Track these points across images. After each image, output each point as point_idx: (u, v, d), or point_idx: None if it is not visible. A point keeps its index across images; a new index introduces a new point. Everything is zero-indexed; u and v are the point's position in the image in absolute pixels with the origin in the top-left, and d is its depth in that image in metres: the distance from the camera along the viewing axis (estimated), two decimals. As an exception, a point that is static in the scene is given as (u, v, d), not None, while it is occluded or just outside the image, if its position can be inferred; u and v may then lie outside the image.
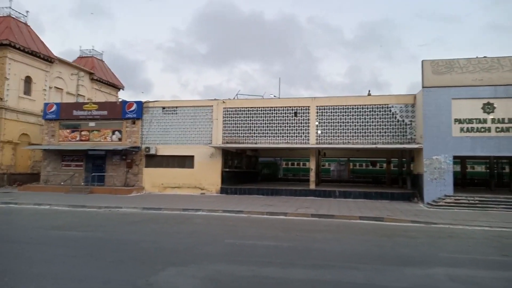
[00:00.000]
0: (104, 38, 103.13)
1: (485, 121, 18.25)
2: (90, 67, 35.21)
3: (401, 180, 26.93)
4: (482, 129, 18.24)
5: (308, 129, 22.02)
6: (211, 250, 8.35)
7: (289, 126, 22.33)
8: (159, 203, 17.62)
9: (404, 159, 26.42)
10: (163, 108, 24.14)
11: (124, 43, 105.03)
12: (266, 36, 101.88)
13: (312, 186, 22.48)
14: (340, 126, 21.65)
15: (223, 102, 23.36)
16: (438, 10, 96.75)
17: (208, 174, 22.86)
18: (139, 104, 24.31)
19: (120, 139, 24.38)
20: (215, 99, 23.71)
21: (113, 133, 24.61)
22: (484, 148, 18.26)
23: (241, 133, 22.92)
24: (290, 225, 12.22)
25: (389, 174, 31.21)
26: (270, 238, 9.95)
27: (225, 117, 23.20)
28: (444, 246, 9.20)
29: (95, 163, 24.71)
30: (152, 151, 23.47)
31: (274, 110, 22.64)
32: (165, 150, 23.67)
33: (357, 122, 21.45)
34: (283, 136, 22.35)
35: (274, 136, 22.49)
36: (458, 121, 18.49)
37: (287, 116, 22.40)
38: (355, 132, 21.45)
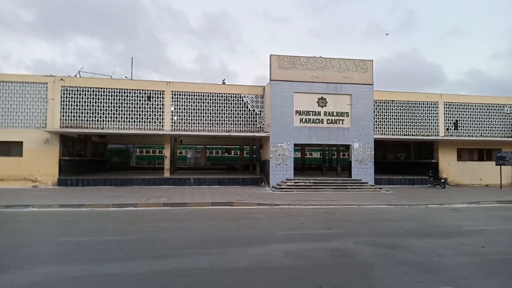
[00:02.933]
0: None
1: (319, 113, 20.97)
2: None
3: (252, 166, 28.87)
4: (317, 121, 20.93)
5: (163, 115, 21.22)
6: (39, 251, 7.06)
7: (142, 111, 21.07)
8: (-29, 200, 14.20)
9: (254, 146, 28.32)
10: (-21, 82, 19.51)
11: None
12: (107, 11, 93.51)
13: (167, 174, 21.88)
14: (196, 113, 21.60)
15: (61, 79, 20.31)
16: (270, 11, 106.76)
17: (42, 163, 19.65)
18: None
19: None
20: (50, 75, 20.40)
21: None
22: (318, 137, 21.02)
23: (85, 116, 20.45)
24: (139, 216, 11.49)
25: (242, 161, 33.04)
26: (114, 232, 9.08)
27: (64, 97, 20.25)
28: (282, 225, 10.12)
29: None
30: (-37, 136, 18.77)
31: (125, 92, 20.96)
32: (-18, 135, 19.25)
33: (213, 110, 21.78)
34: (135, 122, 20.95)
35: (125, 121, 20.86)
36: (299, 112, 20.74)
37: (140, 100, 21.08)
38: (210, 120, 21.73)
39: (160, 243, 7.78)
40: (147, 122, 21.08)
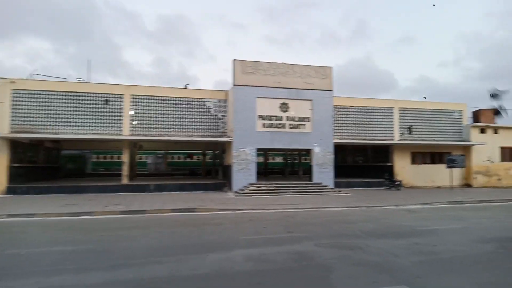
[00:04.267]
0: None
1: (281, 118, 21.24)
2: None
3: (214, 171, 28.64)
4: (279, 125, 21.18)
5: (121, 119, 20.53)
6: (-22, 266, 6.52)
7: (99, 115, 20.27)
8: None
9: (217, 151, 28.13)
10: None
11: None
12: (58, 12, 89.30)
13: (125, 181, 21.14)
14: (157, 117, 21.12)
15: (12, 82, 19.11)
16: (227, 16, 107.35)
17: (-12, 170, 18.30)
18: None
19: None
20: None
21: None
22: (280, 142, 21.26)
23: (38, 121, 19.34)
24: (95, 225, 10.98)
25: (204, 166, 32.71)
26: (67, 242, 8.60)
27: (14, 101, 19.06)
28: (245, 230, 10.09)
29: None
30: None
31: (82, 96, 20.09)
32: None
33: (174, 114, 21.39)
34: (91, 126, 20.10)
35: (81, 126, 19.96)
36: (261, 117, 20.89)
37: (97, 104, 20.27)
38: (172, 124, 21.32)
39: (117, 252, 7.46)
40: (104, 126, 20.30)
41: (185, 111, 21.56)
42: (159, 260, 6.68)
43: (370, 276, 5.80)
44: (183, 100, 21.56)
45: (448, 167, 23.41)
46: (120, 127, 20.48)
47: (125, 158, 21.64)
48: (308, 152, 24.16)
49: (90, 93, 20.24)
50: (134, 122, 20.70)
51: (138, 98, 20.89)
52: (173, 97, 21.42)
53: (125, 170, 21.35)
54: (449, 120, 26.20)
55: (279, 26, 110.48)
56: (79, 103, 20.01)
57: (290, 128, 21.37)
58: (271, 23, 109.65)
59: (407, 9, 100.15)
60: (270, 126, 21.03)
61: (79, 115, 19.96)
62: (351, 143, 24.56)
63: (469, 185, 25.72)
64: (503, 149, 26.63)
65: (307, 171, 24.98)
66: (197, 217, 12.53)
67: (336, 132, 23.50)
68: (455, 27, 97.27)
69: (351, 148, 30.08)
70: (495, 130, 26.58)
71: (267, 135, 20.93)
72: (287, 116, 21.34)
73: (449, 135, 26.08)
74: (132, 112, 20.73)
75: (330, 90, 21.95)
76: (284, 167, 33.84)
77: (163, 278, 5.72)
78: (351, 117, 24.29)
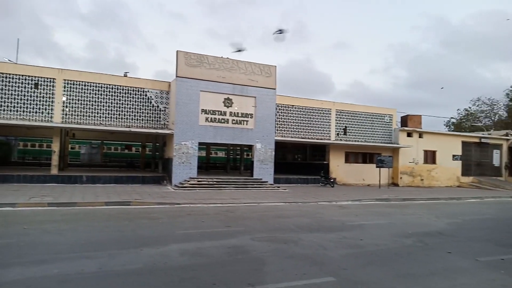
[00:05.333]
0: None
1: (225, 113, 21.25)
2: None
3: (154, 164, 27.81)
4: (222, 120, 21.18)
5: (52, 105, 19.07)
6: None
7: (28, 100, 18.64)
8: None
9: (157, 144, 27.34)
10: None
11: None
12: None
13: (55, 171, 19.72)
14: (93, 105, 19.95)
15: None
16: (166, 6, 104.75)
17: None
18: None
19: None
20: None
21: None
22: (223, 137, 21.27)
23: (-49, 101, 17.25)
24: (18, 217, 10.15)
25: (143, 158, 31.62)
26: (-18, 236, 7.86)
27: None
28: (182, 224, 9.99)
29: None
30: None
31: (7, 78, 18.31)
32: None
33: (112, 103, 20.37)
34: (18, 111, 18.43)
35: (5, 110, 18.20)
36: (204, 111, 20.71)
37: (26, 88, 18.61)
38: (108, 113, 20.29)
39: (41, 247, 6.98)
40: (33, 112, 18.72)
41: (124, 100, 20.62)
42: (88, 255, 6.38)
43: (301, 269, 6.09)
44: (122, 89, 20.60)
45: (378, 167, 25.18)
46: (50, 113, 19.01)
47: (55, 147, 20.15)
48: (250, 148, 24.48)
49: (18, 75, 18.50)
50: (66, 109, 19.34)
51: (72, 84, 19.54)
52: (111, 84, 20.37)
53: (54, 159, 19.88)
54: (380, 124, 28.15)
55: (220, 21, 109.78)
56: (5, 85, 18.22)
57: (233, 123, 21.46)
58: (212, 16, 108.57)
59: (342, 15, 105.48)
60: (213, 120, 20.94)
61: (5, 98, 18.17)
62: (291, 141, 25.33)
63: (395, 184, 27.90)
64: (426, 152, 29.28)
65: (249, 167, 25.34)
66: (132, 210, 12.12)
67: (278, 130, 24.09)
68: (385, 37, 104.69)
69: (291, 146, 31.02)
70: (420, 134, 29.11)
71: (210, 129, 20.81)
72: (231, 112, 21.39)
73: (379, 137, 28.03)
74: (64, 98, 19.35)
75: (274, 89, 22.41)
76: (226, 162, 33.88)
77: (92, 274, 5.49)
78: (292, 116, 25.04)
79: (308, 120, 25.53)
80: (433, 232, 9.93)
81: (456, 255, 7.46)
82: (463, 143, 31.09)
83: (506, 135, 33.75)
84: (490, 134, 35.23)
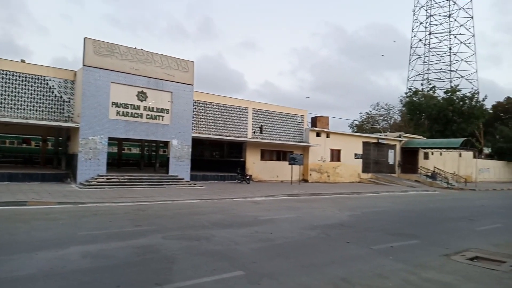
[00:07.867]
0: None
1: (138, 107, 20.27)
2: None
3: (57, 160, 25.28)
4: (136, 115, 20.17)
5: None
6: None
7: None
8: None
9: (61, 138, 24.93)
10: None
11: None
12: None
13: None
14: (-21, 92, 17.35)
15: None
16: None
17: None
18: None
19: None
20: None
21: None
22: (136, 132, 20.26)
23: None
24: None
25: (44, 153, 28.58)
26: None
27: None
28: (86, 225, 9.26)
29: None
30: None
31: None
32: None
33: (6, 91, 18.00)
34: None
35: None
36: (115, 104, 19.48)
37: None
38: (1, 103, 17.88)
39: None
40: None
41: (20, 88, 18.37)
42: (-33, 264, 5.56)
43: (211, 265, 6.12)
44: (18, 76, 18.32)
45: (290, 164, 26.49)
46: None
47: None
48: (166, 144, 23.75)
49: None
50: None
51: (-47, 66, 16.76)
52: (5, 70, 17.98)
53: None
54: (293, 123, 29.65)
55: (120, 7, 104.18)
56: None
57: (148, 118, 20.59)
58: (112, 2, 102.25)
59: (248, 15, 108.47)
60: (126, 114, 19.81)
61: None
62: (209, 138, 25.25)
63: (305, 180, 29.67)
64: (332, 150, 31.69)
65: (164, 164, 24.58)
66: (27, 211, 10.88)
67: (195, 126, 23.81)
68: (289, 41, 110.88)
69: (209, 143, 30.92)
70: (328, 134, 31.41)
71: (121, 124, 19.64)
72: (145, 106, 20.49)
73: (292, 136, 29.52)
74: None
75: (191, 85, 22.07)
76: (140, 158, 32.36)
77: (-29, 285, 4.79)
78: (210, 113, 24.97)
79: (226, 118, 25.71)
80: (336, 224, 10.82)
81: (354, 244, 8.23)
82: (364, 143, 34.43)
83: (399, 136, 38.33)
84: (386, 135, 39.57)
